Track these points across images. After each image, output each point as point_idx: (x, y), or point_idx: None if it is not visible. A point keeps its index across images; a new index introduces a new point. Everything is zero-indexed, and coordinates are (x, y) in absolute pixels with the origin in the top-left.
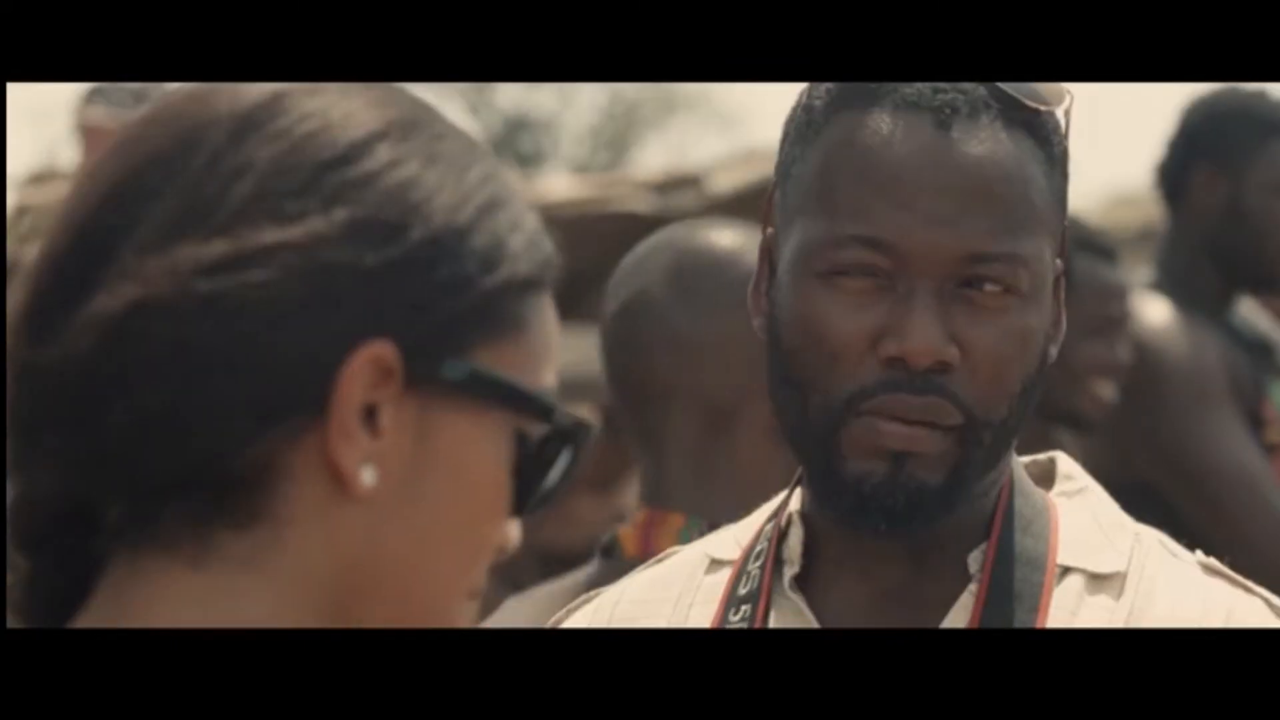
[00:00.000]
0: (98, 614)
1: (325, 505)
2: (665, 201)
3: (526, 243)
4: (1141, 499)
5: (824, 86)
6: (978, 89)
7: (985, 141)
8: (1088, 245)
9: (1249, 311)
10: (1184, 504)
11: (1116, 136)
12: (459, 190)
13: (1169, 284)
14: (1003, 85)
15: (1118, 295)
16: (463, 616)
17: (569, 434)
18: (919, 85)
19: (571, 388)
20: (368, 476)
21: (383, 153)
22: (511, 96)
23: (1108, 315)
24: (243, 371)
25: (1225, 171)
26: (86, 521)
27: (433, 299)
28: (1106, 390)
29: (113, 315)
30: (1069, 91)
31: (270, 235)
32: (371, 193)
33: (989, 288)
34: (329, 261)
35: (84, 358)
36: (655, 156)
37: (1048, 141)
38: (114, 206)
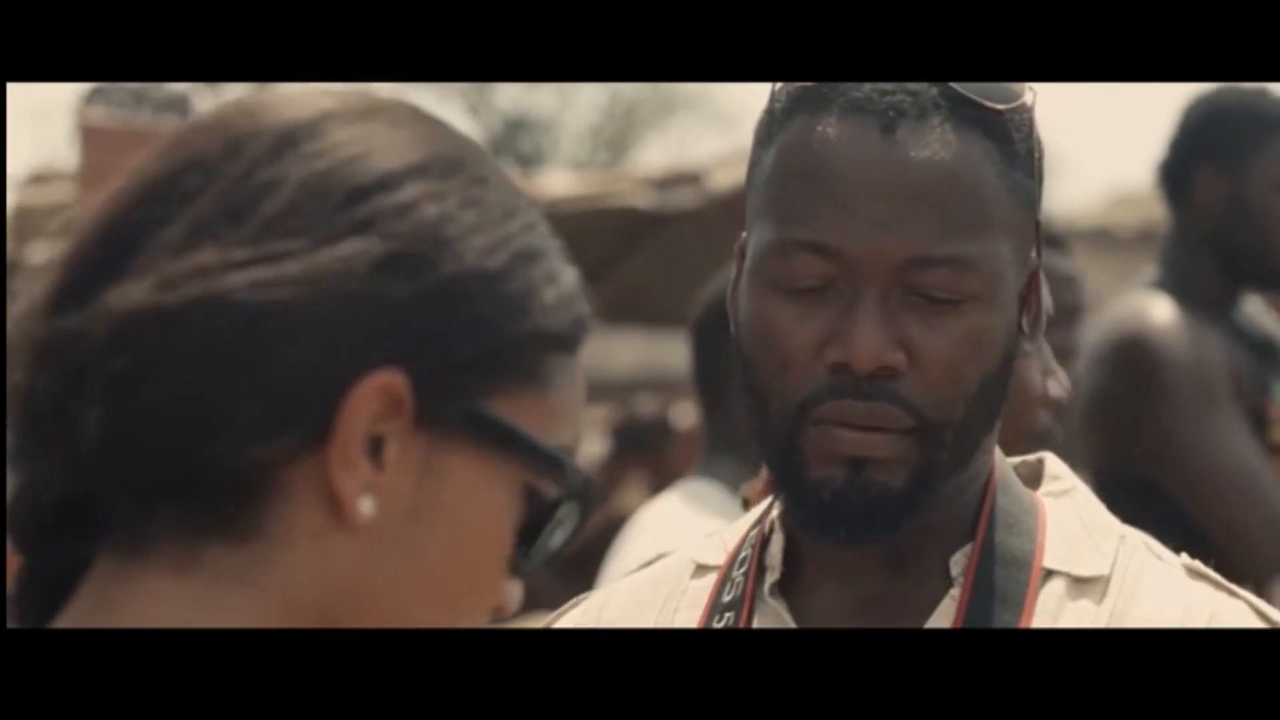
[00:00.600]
0: (78, 614)
1: (320, 530)
2: (665, 198)
3: (560, 299)
4: (1142, 496)
5: (785, 90)
6: (929, 89)
7: (931, 144)
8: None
9: (1255, 310)
10: (1184, 502)
11: (1116, 136)
12: (495, 235)
13: (1172, 283)
14: (955, 85)
15: (1071, 283)
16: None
17: (578, 494)
18: (868, 87)
19: None
20: (365, 506)
21: (420, 186)
22: (511, 96)
23: (1063, 303)
24: (249, 382)
25: (1227, 170)
26: (83, 519)
27: (453, 337)
28: (1064, 378)
29: (128, 309)
30: (1029, 89)
31: (294, 252)
32: (403, 224)
33: (937, 292)
34: (350, 285)
35: (96, 348)
36: (655, 156)
37: (1007, 140)
38: (148, 204)
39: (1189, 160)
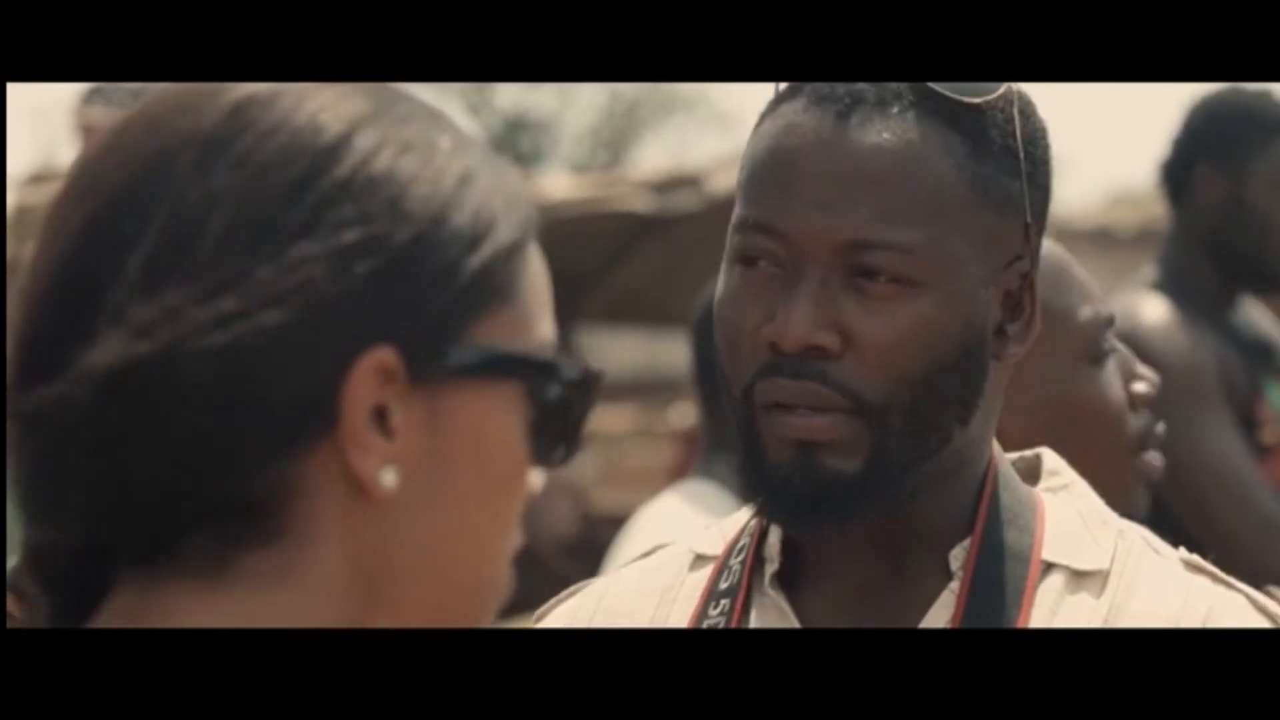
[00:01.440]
0: (107, 624)
1: (346, 515)
2: (664, 201)
3: (504, 206)
4: None
5: (778, 88)
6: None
7: (883, 131)
8: None
9: (1253, 312)
10: (1170, 500)
11: (1116, 136)
12: (431, 175)
13: (1170, 282)
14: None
15: None
16: (502, 585)
17: (577, 384)
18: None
19: None
20: (389, 479)
21: (353, 154)
22: (511, 96)
23: None
24: (248, 407)
25: (1226, 170)
26: (104, 557)
27: (425, 295)
28: (1151, 374)
29: (110, 367)
30: (1008, 88)
31: (251, 270)
32: (348, 202)
33: (879, 276)
34: (317, 285)
35: (86, 410)
36: (654, 156)
37: (978, 136)
38: (93, 251)
39: (1189, 160)
